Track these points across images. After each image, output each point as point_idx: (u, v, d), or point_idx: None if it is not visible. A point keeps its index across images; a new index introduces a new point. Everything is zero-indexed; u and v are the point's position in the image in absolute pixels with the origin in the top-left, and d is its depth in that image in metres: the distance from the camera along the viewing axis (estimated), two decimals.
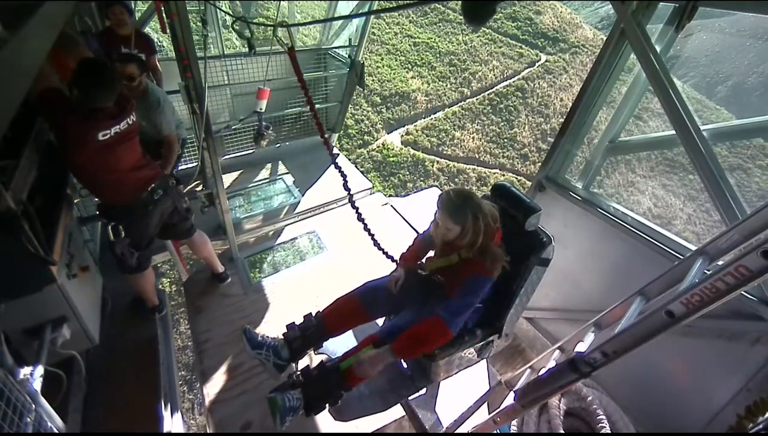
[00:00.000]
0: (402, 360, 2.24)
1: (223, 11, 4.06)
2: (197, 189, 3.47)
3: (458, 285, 1.79)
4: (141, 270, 2.77)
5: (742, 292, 1.53)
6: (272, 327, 3.27)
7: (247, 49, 3.74)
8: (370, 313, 2.11)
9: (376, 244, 2.59)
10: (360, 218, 2.57)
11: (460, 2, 1.45)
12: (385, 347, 1.82)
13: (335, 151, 5.53)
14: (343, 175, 2.61)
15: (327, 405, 1.90)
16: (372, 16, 4.82)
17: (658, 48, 2.20)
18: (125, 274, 2.74)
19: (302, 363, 2.12)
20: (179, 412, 2.66)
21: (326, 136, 5.27)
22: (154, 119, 3.04)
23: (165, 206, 2.67)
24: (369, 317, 2.12)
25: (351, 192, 2.59)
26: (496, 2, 1.41)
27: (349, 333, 2.38)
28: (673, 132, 2.19)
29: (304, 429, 2.63)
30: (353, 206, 2.57)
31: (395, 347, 1.80)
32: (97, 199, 2.61)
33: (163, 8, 2.72)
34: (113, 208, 2.52)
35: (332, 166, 2.66)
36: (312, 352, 2.23)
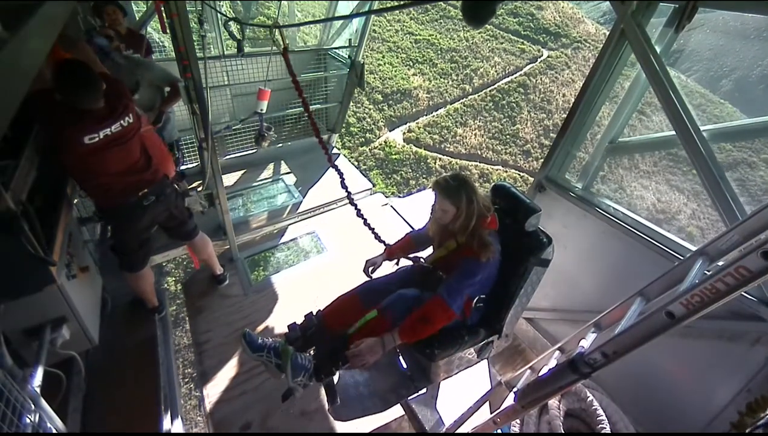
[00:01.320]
0: (402, 360, 2.24)
1: (219, 12, 4.04)
2: (197, 189, 3.47)
3: (456, 269, 1.84)
4: (134, 271, 2.76)
5: (743, 292, 1.52)
6: (272, 328, 3.27)
7: (244, 50, 3.74)
8: (368, 308, 2.11)
9: (377, 237, 2.60)
10: (359, 214, 2.59)
11: (460, 2, 1.44)
12: (392, 331, 1.81)
13: (335, 151, 5.55)
14: (340, 173, 2.61)
15: (335, 369, 1.90)
16: (372, 15, 4.79)
17: (658, 48, 2.18)
18: (123, 271, 2.75)
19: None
20: (179, 412, 2.67)
21: (326, 136, 5.28)
22: (147, 75, 3.09)
23: (157, 212, 2.63)
24: (367, 312, 2.13)
25: (349, 190, 2.60)
26: (497, 2, 1.39)
27: None
28: (674, 132, 2.17)
29: (304, 429, 2.64)
30: (352, 203, 2.59)
31: (402, 328, 1.80)
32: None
33: (163, 8, 2.72)
34: (103, 209, 2.51)
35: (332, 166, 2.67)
36: (312, 352, 2.23)
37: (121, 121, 2.25)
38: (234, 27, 3.43)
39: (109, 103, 2.20)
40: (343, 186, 2.62)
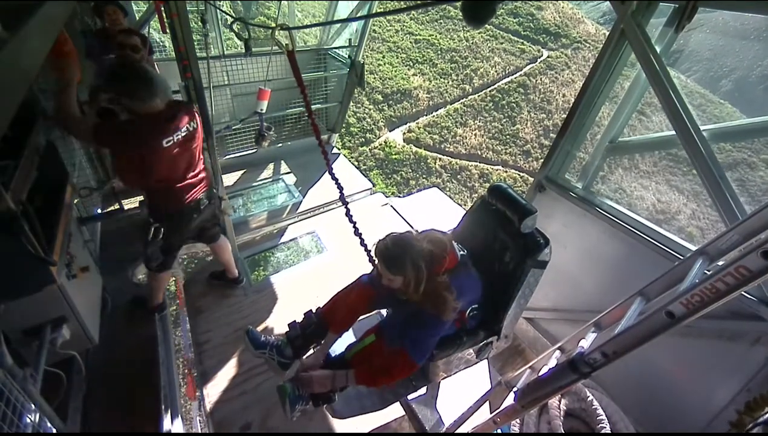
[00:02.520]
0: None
1: (223, 12, 4.03)
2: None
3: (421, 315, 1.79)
4: (164, 270, 2.81)
5: (743, 292, 1.52)
6: (273, 327, 3.27)
7: (252, 49, 3.73)
8: (374, 297, 2.12)
9: (371, 260, 2.60)
10: (357, 233, 2.59)
11: (459, 2, 1.44)
12: (348, 371, 1.84)
13: (335, 151, 5.55)
14: (340, 188, 2.61)
15: (334, 394, 1.91)
16: (373, 13, 4.81)
17: (658, 48, 2.18)
18: (153, 272, 2.82)
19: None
20: (179, 412, 2.66)
21: (326, 136, 5.27)
22: None
23: (205, 216, 2.74)
24: (372, 301, 2.14)
25: (348, 205, 2.61)
26: (497, 2, 1.39)
27: (349, 330, 2.39)
28: (674, 132, 2.17)
29: (304, 429, 2.64)
30: (351, 221, 2.59)
31: (359, 374, 1.82)
32: (143, 199, 2.63)
33: (163, 8, 2.72)
34: (160, 212, 2.55)
35: (334, 164, 2.66)
36: (313, 349, 2.24)
37: (188, 126, 2.33)
38: (237, 27, 3.43)
39: (171, 108, 2.26)
40: (343, 201, 2.63)
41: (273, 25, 2.45)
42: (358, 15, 4.83)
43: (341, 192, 2.61)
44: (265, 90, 3.99)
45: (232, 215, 3.59)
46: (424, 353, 1.77)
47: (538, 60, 19.70)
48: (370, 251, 2.58)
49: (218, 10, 4.19)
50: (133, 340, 2.96)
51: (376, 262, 1.74)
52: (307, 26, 4.07)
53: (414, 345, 1.75)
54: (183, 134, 2.31)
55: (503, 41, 20.10)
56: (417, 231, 1.87)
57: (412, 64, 18.53)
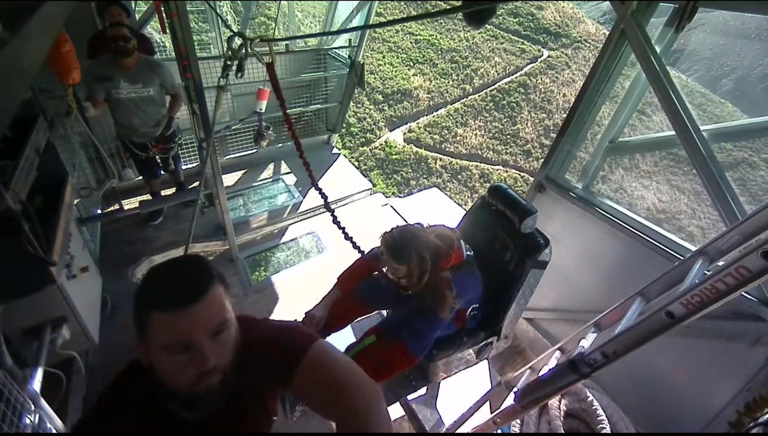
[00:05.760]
0: None
1: (229, 28, 4.03)
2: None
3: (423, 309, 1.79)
4: None
5: (743, 292, 1.52)
6: None
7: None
8: (369, 305, 2.13)
9: (358, 250, 2.63)
10: (347, 237, 2.66)
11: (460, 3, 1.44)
12: None
13: (335, 151, 5.55)
14: (324, 197, 2.67)
15: None
16: (373, 15, 4.79)
17: (658, 48, 2.18)
18: None
19: None
20: None
21: (326, 136, 5.27)
22: (160, 79, 3.24)
23: None
24: (368, 309, 2.14)
25: (334, 213, 2.71)
26: (497, 3, 1.40)
27: (349, 330, 2.39)
28: (674, 132, 2.17)
29: (304, 429, 2.63)
30: (339, 227, 2.65)
31: None
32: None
33: (163, 8, 2.72)
34: None
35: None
36: None
37: None
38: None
39: None
40: (329, 210, 2.69)
41: (271, 26, 2.45)
42: (357, 15, 4.83)
43: (326, 201, 2.67)
44: (264, 90, 3.98)
45: (234, 216, 3.58)
46: (423, 346, 1.77)
47: (539, 60, 19.65)
48: (363, 251, 2.60)
49: (218, 9, 4.18)
50: (133, 340, 2.95)
51: (382, 252, 1.75)
52: (286, 39, 4.02)
53: (412, 337, 1.76)
54: None
55: (503, 41, 20.06)
56: (427, 225, 1.87)
57: (412, 64, 18.48)
